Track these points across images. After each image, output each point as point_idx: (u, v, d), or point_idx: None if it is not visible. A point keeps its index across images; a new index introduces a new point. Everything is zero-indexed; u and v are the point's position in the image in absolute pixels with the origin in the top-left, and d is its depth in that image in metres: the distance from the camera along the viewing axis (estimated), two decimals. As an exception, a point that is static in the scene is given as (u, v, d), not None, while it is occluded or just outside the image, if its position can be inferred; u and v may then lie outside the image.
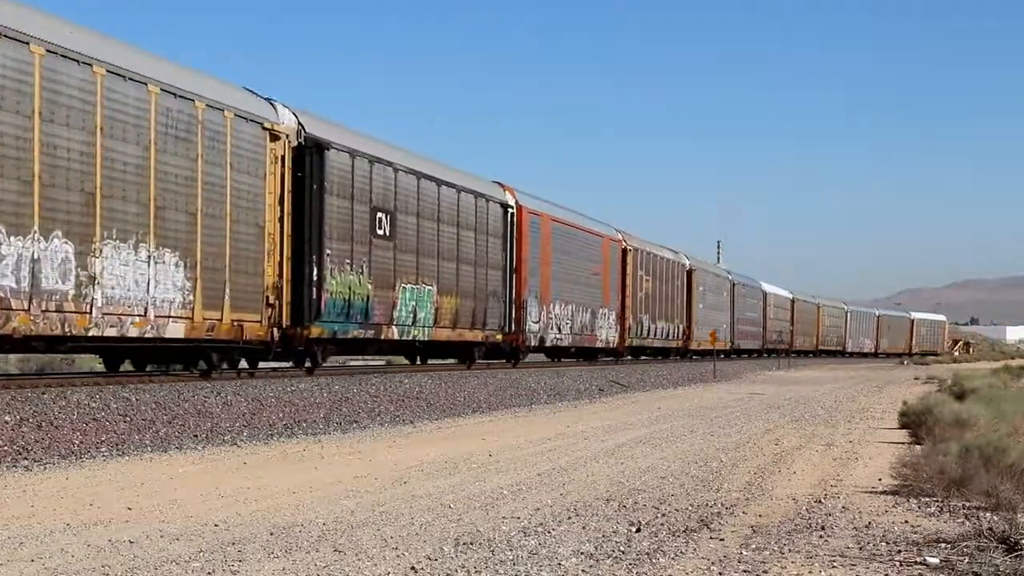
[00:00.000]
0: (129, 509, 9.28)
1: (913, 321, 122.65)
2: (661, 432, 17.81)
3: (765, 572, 7.12)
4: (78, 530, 8.29)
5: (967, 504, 9.90)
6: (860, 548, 7.94)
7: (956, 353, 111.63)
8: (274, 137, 20.49)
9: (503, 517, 9.09)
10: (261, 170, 20.13)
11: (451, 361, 31.48)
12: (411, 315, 25.66)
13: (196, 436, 15.07)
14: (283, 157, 20.76)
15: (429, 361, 30.69)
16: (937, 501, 10.13)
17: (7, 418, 13.47)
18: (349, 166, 22.83)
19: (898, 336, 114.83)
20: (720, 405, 26.27)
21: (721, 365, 52.07)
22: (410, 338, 26.09)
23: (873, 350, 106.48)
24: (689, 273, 53.83)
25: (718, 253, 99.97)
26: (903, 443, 16.03)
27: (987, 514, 9.19)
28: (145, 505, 9.49)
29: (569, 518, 9.08)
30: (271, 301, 20.29)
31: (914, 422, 16.95)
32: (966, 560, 7.34)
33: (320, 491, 10.52)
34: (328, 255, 21.91)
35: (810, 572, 7.15)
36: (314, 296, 21.56)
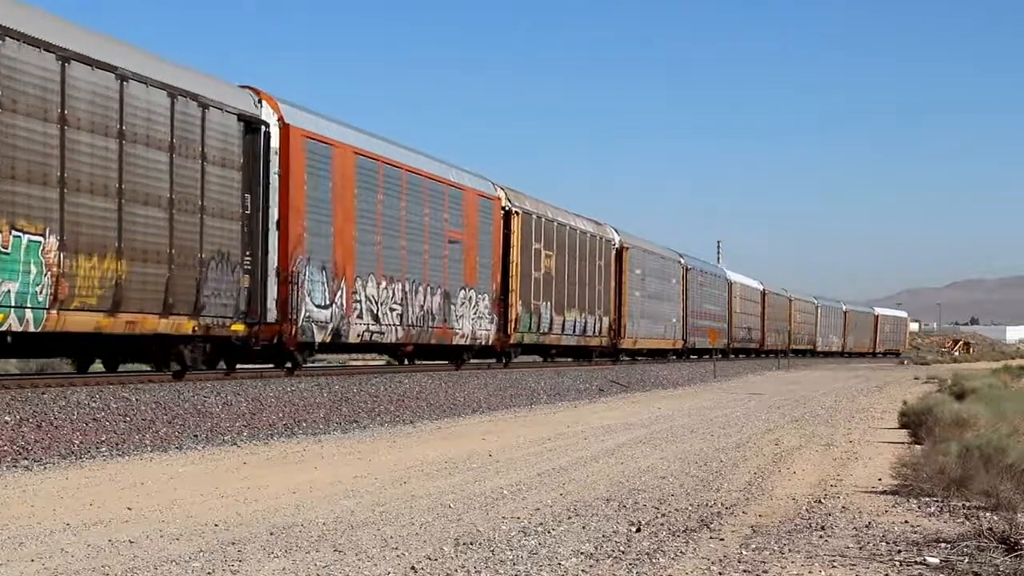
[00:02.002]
0: (129, 509, 9.28)
1: (878, 317, 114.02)
2: (661, 432, 17.82)
3: (765, 572, 7.12)
4: (78, 530, 8.29)
5: (967, 504, 9.90)
6: (860, 548, 7.94)
7: (956, 353, 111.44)
8: None
9: (503, 517, 9.09)
10: None
11: (141, 368, 21.03)
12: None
13: (196, 436, 15.07)
14: None
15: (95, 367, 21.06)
16: (937, 501, 10.13)
17: (7, 418, 13.48)
18: None
19: (863, 334, 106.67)
20: (720, 405, 26.27)
21: (709, 366, 51.83)
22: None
23: (840, 348, 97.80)
24: (619, 252, 43.18)
25: (718, 253, 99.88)
26: (903, 443, 16.03)
27: (987, 514, 9.19)
28: (145, 505, 9.49)
29: (569, 518, 9.08)
30: None
31: (914, 422, 16.95)
32: (966, 560, 7.34)
33: (320, 491, 10.52)
34: None
35: (810, 572, 7.15)
36: None
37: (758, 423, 20.23)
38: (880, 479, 11.80)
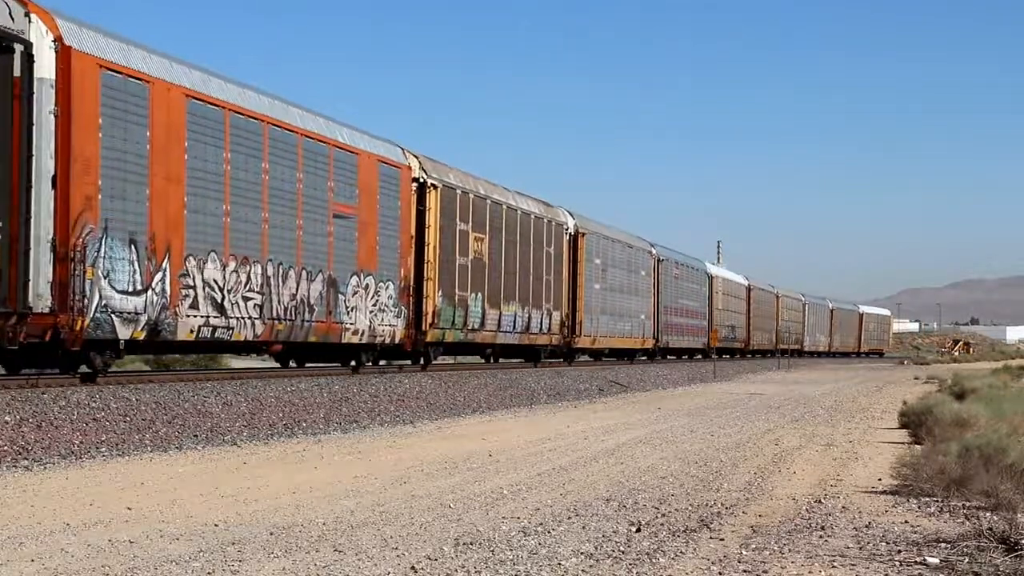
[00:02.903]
0: (129, 509, 9.28)
1: (862, 315, 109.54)
2: (661, 432, 17.81)
3: (765, 572, 7.12)
4: (78, 530, 8.29)
5: (967, 504, 9.90)
6: (860, 548, 7.94)
7: (956, 353, 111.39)
8: None
9: (503, 517, 9.09)
10: None
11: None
12: None
13: (196, 436, 15.07)
14: None
15: None
16: (937, 501, 10.13)
17: (7, 418, 13.48)
18: None
19: (849, 332, 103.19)
20: (720, 405, 26.27)
21: (709, 366, 51.74)
22: None
23: (827, 347, 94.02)
24: (574, 238, 38.12)
25: (718, 254, 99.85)
26: (903, 443, 16.03)
27: (987, 514, 9.19)
28: (145, 505, 9.49)
29: (569, 518, 9.08)
30: None
31: (914, 422, 16.95)
32: (966, 560, 7.34)
33: (320, 491, 10.52)
34: None
35: (810, 572, 7.15)
36: None
37: (758, 423, 20.23)
38: (880, 479, 11.80)
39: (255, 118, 20.48)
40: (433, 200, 27.44)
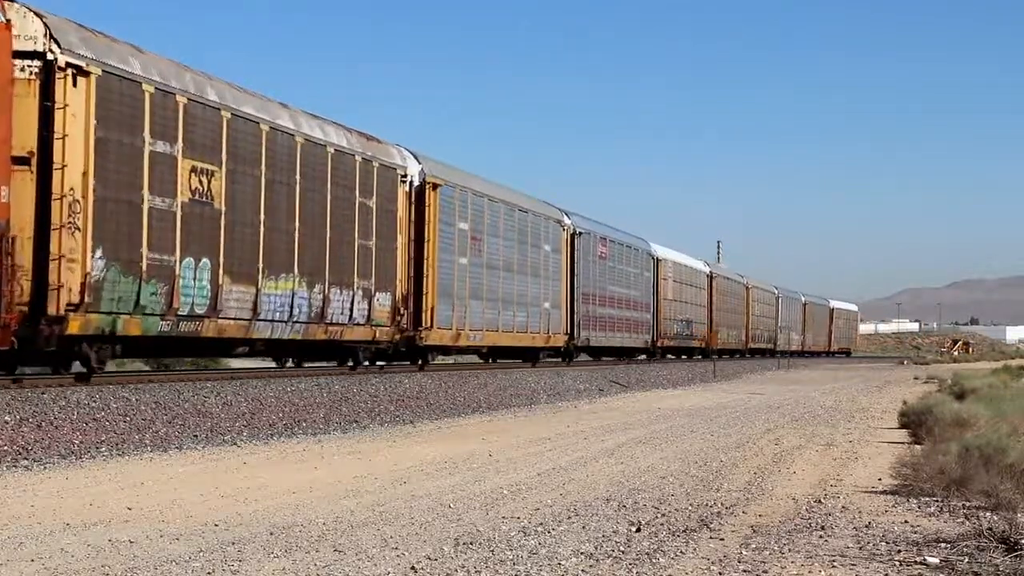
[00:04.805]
0: (129, 509, 9.28)
1: (833, 311, 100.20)
2: (661, 432, 17.82)
3: (765, 572, 7.12)
4: (78, 530, 8.29)
5: (967, 504, 9.90)
6: (860, 548, 7.94)
7: (956, 353, 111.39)
8: None
9: (503, 517, 9.09)
10: None
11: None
12: None
13: (196, 436, 15.07)
14: None
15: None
16: (937, 501, 10.13)
17: (7, 418, 13.48)
18: None
19: (820, 329, 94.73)
20: (720, 405, 26.27)
21: (703, 367, 51.53)
22: None
23: (800, 346, 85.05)
24: (421, 191, 26.81)
25: (718, 253, 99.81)
26: (903, 443, 16.03)
27: (987, 514, 9.19)
28: (145, 505, 9.49)
29: (569, 518, 9.08)
30: None
31: (914, 422, 16.95)
32: (966, 560, 7.34)
33: (320, 491, 10.52)
34: None
35: (810, 572, 7.15)
36: None
37: (758, 423, 20.23)
38: (880, 479, 11.80)
39: None
40: (74, 96, 16.20)
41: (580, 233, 38.86)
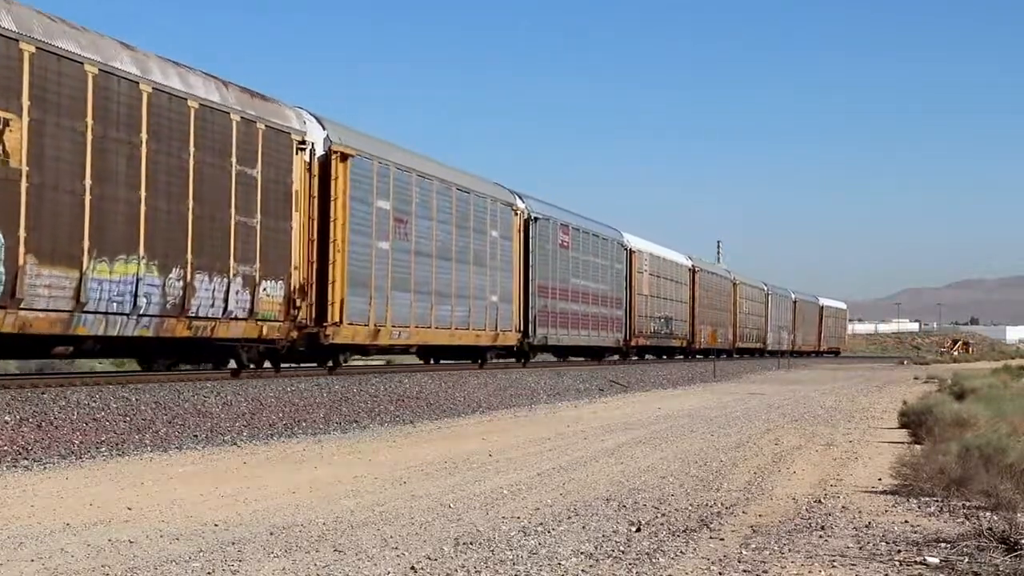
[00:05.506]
0: (129, 509, 9.28)
1: (822, 308, 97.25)
2: (661, 432, 17.81)
3: (765, 572, 7.12)
4: (78, 530, 8.29)
5: (967, 504, 9.91)
6: (860, 548, 7.94)
7: (956, 353, 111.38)
8: None
9: (503, 517, 9.09)
10: None
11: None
12: None
13: (196, 436, 15.07)
14: None
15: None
16: (937, 501, 10.13)
17: (7, 418, 13.49)
18: None
19: (810, 328, 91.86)
20: (720, 405, 26.27)
21: (709, 365, 51.49)
22: None
23: (791, 346, 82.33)
24: (326, 161, 22.90)
25: (718, 253, 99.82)
26: (903, 443, 16.03)
27: (987, 514, 9.19)
28: (145, 505, 9.49)
29: (569, 518, 9.08)
30: None
31: (914, 422, 16.95)
32: (966, 560, 7.34)
33: (320, 491, 10.52)
34: None
35: (810, 572, 7.15)
36: None
37: (758, 423, 20.22)
38: (880, 479, 11.80)
39: None
40: None
41: (536, 219, 35.01)
